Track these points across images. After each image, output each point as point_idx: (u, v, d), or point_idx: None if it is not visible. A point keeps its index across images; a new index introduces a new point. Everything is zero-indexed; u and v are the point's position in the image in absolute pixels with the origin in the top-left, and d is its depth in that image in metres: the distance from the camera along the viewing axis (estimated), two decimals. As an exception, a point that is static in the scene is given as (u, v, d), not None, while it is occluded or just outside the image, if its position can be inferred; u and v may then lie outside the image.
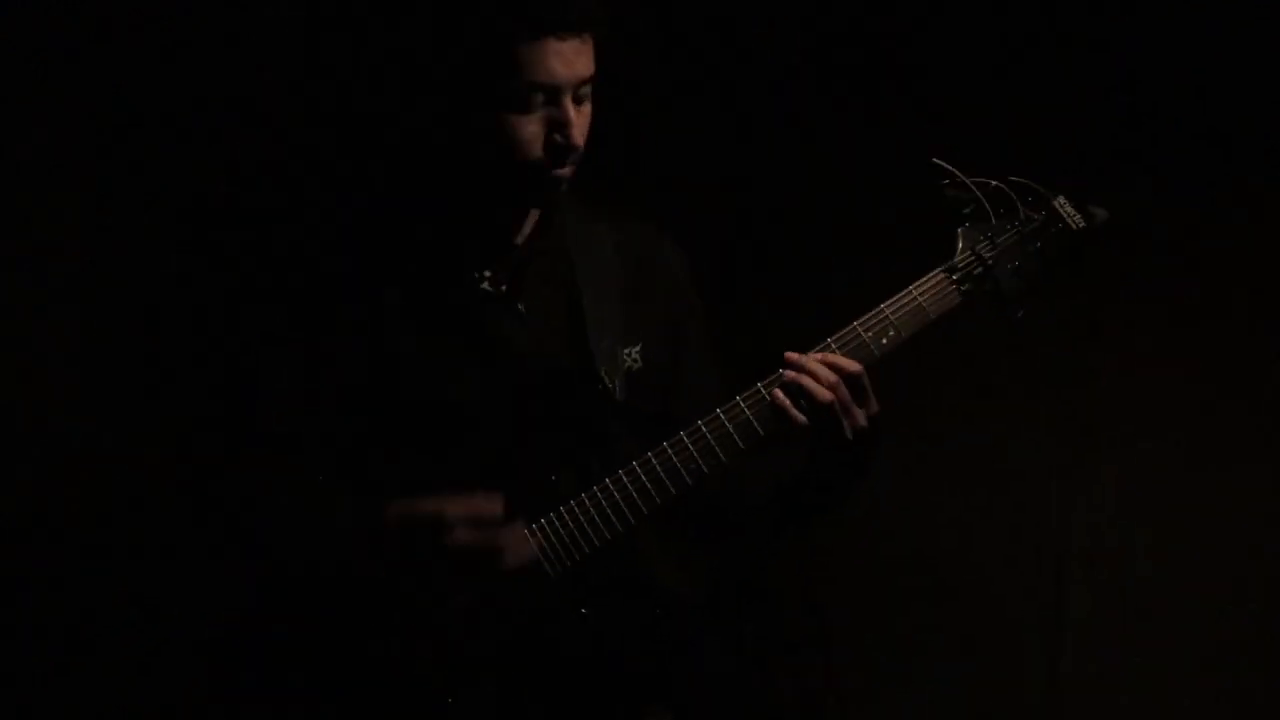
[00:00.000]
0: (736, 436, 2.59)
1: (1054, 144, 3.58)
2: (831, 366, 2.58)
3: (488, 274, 2.66)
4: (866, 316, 2.62)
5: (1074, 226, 2.65)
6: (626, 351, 2.70)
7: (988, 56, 3.63)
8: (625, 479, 2.59)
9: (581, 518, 2.59)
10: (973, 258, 2.64)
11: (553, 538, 2.59)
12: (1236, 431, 3.69)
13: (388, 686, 2.55)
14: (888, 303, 2.62)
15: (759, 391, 2.60)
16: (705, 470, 2.59)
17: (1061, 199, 2.66)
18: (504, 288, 2.67)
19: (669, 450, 2.59)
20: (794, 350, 2.59)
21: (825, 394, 2.56)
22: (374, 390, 2.62)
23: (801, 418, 2.57)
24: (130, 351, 3.34)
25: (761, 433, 2.59)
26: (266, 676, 2.58)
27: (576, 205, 2.72)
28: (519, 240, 2.69)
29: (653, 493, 2.59)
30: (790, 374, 2.58)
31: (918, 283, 2.63)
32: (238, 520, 2.62)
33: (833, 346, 2.60)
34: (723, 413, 2.59)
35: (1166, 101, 3.62)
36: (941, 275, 2.64)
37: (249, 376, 2.67)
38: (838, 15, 3.64)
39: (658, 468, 2.59)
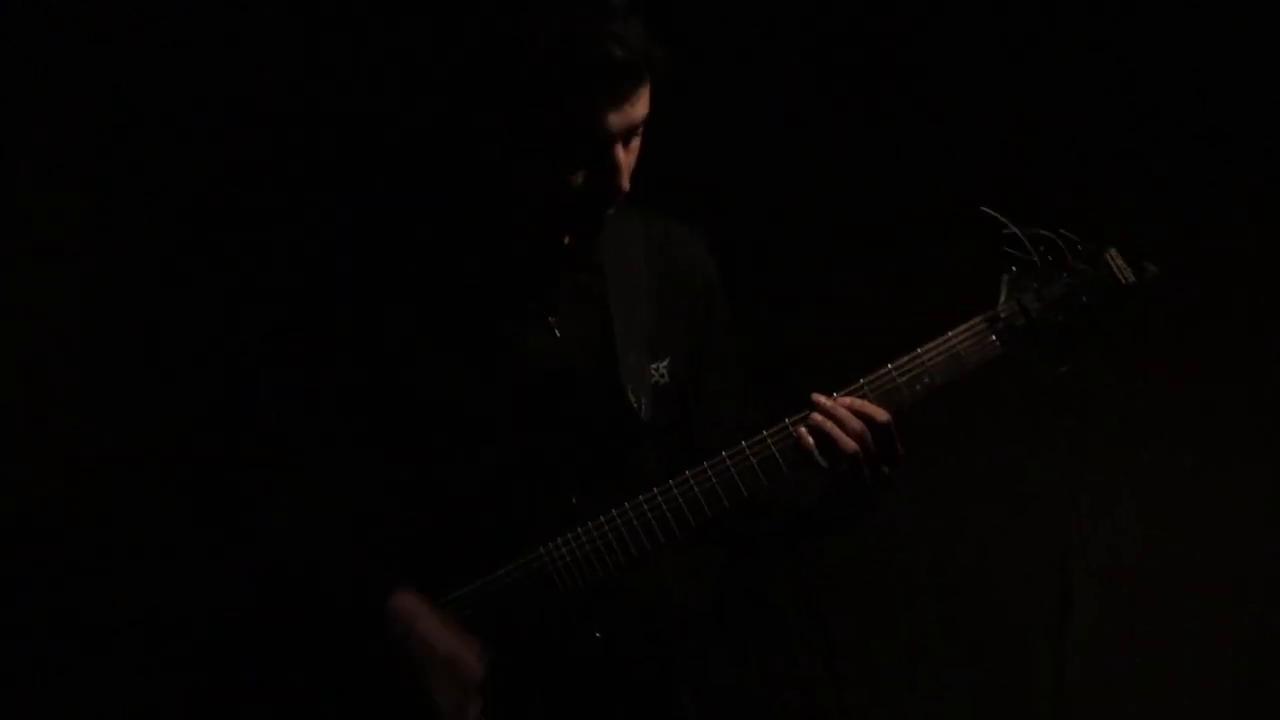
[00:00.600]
0: (760, 471, 2.55)
1: (1054, 144, 3.58)
2: (860, 414, 2.54)
3: (522, 289, 2.63)
4: (902, 360, 2.57)
5: (1124, 281, 2.58)
6: (654, 366, 2.67)
7: (988, 56, 3.62)
8: (645, 507, 2.56)
9: (599, 541, 2.56)
10: (1017, 308, 2.59)
11: (568, 559, 2.56)
12: (1244, 441, 3.68)
13: (388, 693, 2.54)
14: (924, 348, 2.57)
15: (786, 429, 2.55)
16: (726, 504, 2.56)
17: (1113, 251, 2.59)
18: (538, 303, 2.63)
19: (691, 481, 2.56)
20: (826, 386, 2.55)
21: (850, 444, 2.52)
22: (398, 401, 2.59)
23: (824, 463, 2.54)
24: (130, 352, 3.34)
25: (785, 470, 2.55)
26: (265, 677, 2.58)
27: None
28: (554, 254, 2.64)
29: (671, 522, 2.56)
30: (817, 418, 2.54)
31: (956, 330, 2.58)
32: (238, 521, 2.62)
33: (865, 389, 2.56)
34: (748, 446, 2.55)
35: (1167, 102, 3.62)
36: (983, 324, 2.58)
37: (245, 377, 2.66)
38: (837, 15, 3.64)
39: (679, 498, 2.56)
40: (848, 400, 2.54)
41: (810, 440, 2.53)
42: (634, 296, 2.67)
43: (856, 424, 2.53)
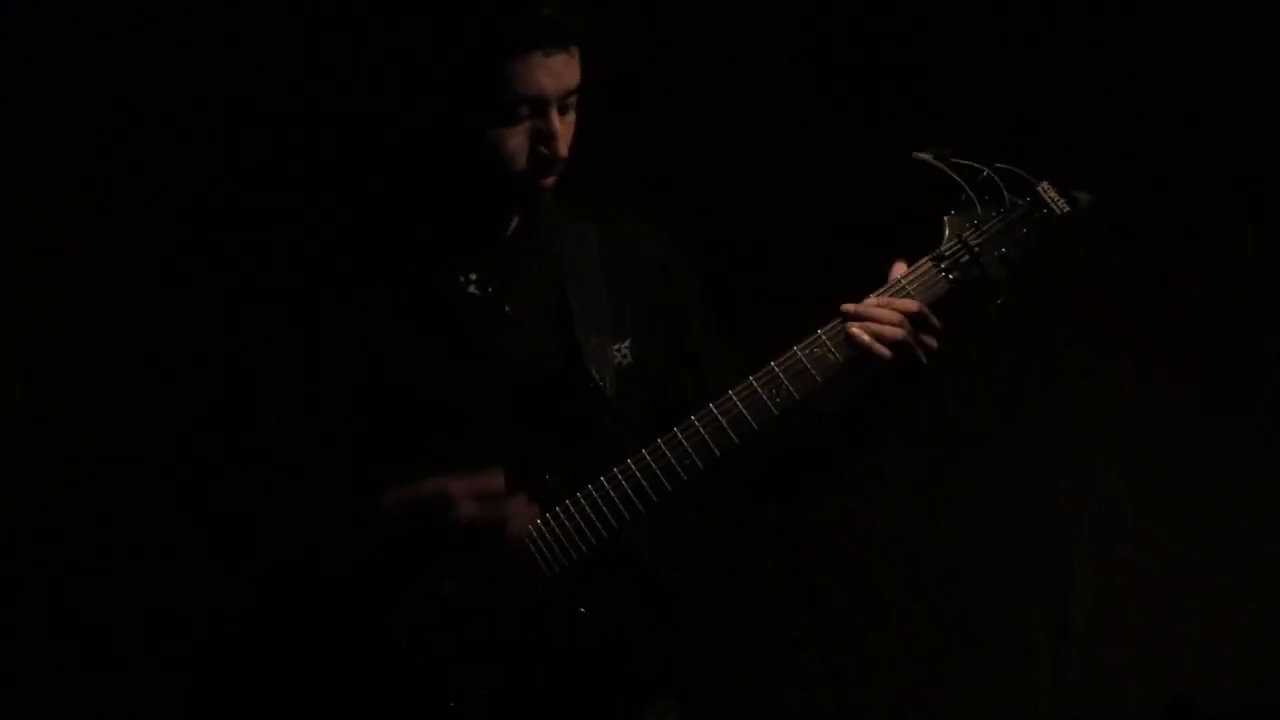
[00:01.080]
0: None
1: (1054, 144, 3.57)
2: (890, 308, 2.61)
3: (474, 276, 2.67)
4: (856, 308, 2.63)
5: (1058, 211, 2.67)
6: (616, 347, 2.71)
7: (987, 56, 3.63)
8: (620, 476, 2.59)
9: (577, 517, 2.59)
10: (959, 245, 2.66)
11: (549, 537, 2.59)
12: (1244, 441, 3.68)
13: (386, 687, 2.55)
14: (876, 293, 2.64)
15: (820, 338, 2.61)
16: (700, 465, 2.59)
17: (1045, 184, 2.68)
18: (490, 290, 2.67)
19: (662, 447, 2.59)
20: (785, 339, 2.61)
21: (896, 331, 2.60)
22: (366, 392, 2.62)
23: (884, 350, 2.60)
24: (130, 352, 3.34)
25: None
26: (265, 676, 2.58)
27: (560, 204, 2.72)
28: (504, 241, 2.69)
29: (647, 489, 2.59)
30: (856, 317, 2.61)
31: (905, 273, 2.65)
32: (235, 519, 2.63)
33: (823, 338, 2.62)
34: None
35: (1167, 102, 3.62)
36: (929, 264, 2.65)
37: (244, 376, 2.67)
38: (837, 15, 3.64)
39: (651, 464, 2.59)
40: (872, 299, 2.62)
41: (861, 334, 2.60)
42: (590, 281, 2.72)
43: (893, 314, 2.61)
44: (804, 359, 2.61)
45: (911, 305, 2.61)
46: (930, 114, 3.60)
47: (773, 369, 2.61)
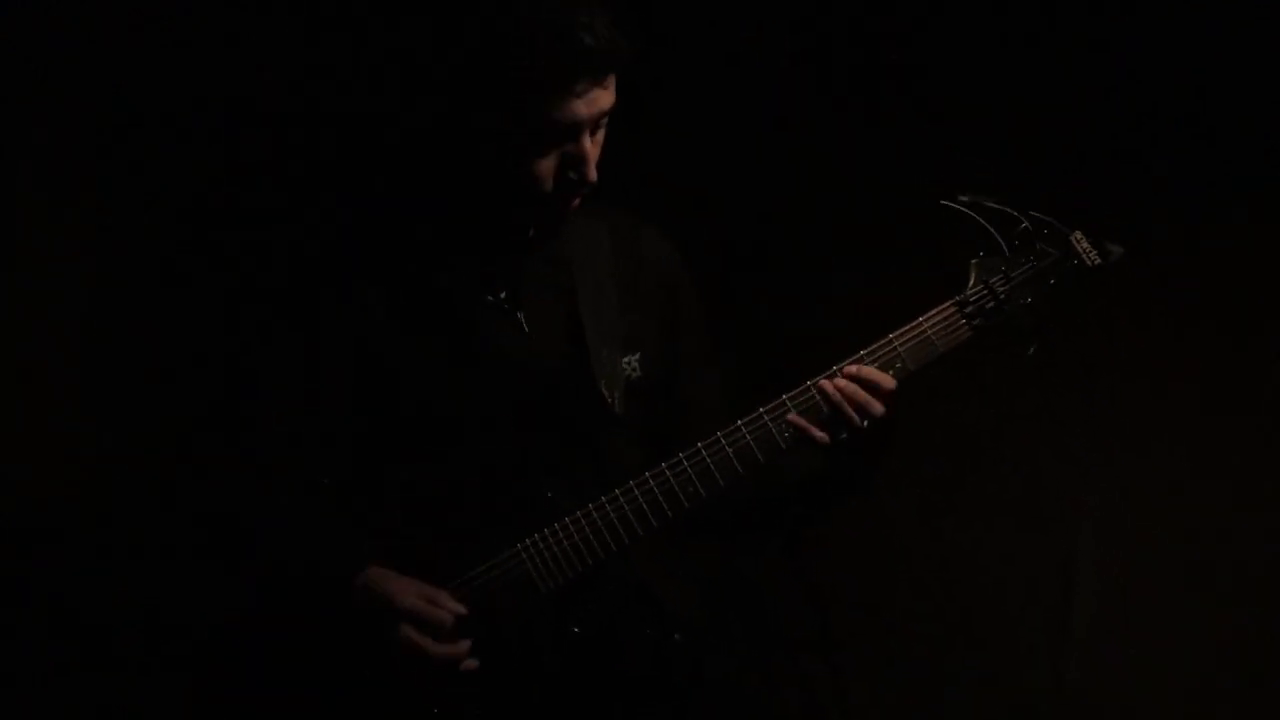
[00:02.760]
0: (756, 449, 2.58)
1: (1053, 145, 3.58)
2: (862, 381, 2.57)
3: (487, 282, 2.65)
4: (874, 346, 2.60)
5: (1089, 264, 2.61)
6: (626, 360, 2.69)
7: (987, 56, 3.62)
8: (622, 499, 2.57)
9: (576, 535, 2.57)
10: (985, 291, 2.61)
11: (545, 553, 2.57)
12: (1244, 441, 3.68)
13: (375, 696, 2.54)
14: (896, 333, 2.60)
15: (784, 404, 2.58)
16: (703, 494, 2.58)
17: (1078, 234, 2.62)
18: (504, 295, 2.66)
19: (667, 473, 2.57)
20: (803, 372, 2.58)
21: (851, 415, 2.56)
22: (372, 398, 2.61)
23: (821, 435, 2.57)
24: (130, 352, 3.34)
25: (762, 460, 2.58)
26: (255, 679, 2.58)
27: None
28: (517, 246, 2.67)
29: (648, 514, 2.57)
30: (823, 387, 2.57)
31: (927, 314, 2.61)
32: (231, 520, 2.62)
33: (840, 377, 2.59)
34: (744, 424, 2.58)
35: (1167, 102, 3.62)
36: (952, 308, 2.61)
37: (244, 378, 2.67)
38: (837, 15, 3.64)
39: (655, 490, 2.57)
40: (852, 370, 2.58)
41: (802, 420, 2.57)
42: (602, 291, 2.70)
43: (858, 394, 2.57)
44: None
45: (888, 383, 2.57)
46: (930, 114, 3.60)
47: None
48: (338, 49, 3.40)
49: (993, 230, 2.62)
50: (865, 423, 2.57)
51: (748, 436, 2.57)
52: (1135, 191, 3.57)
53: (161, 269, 3.35)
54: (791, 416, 2.58)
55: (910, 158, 3.60)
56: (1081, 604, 3.73)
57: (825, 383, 2.58)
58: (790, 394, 2.59)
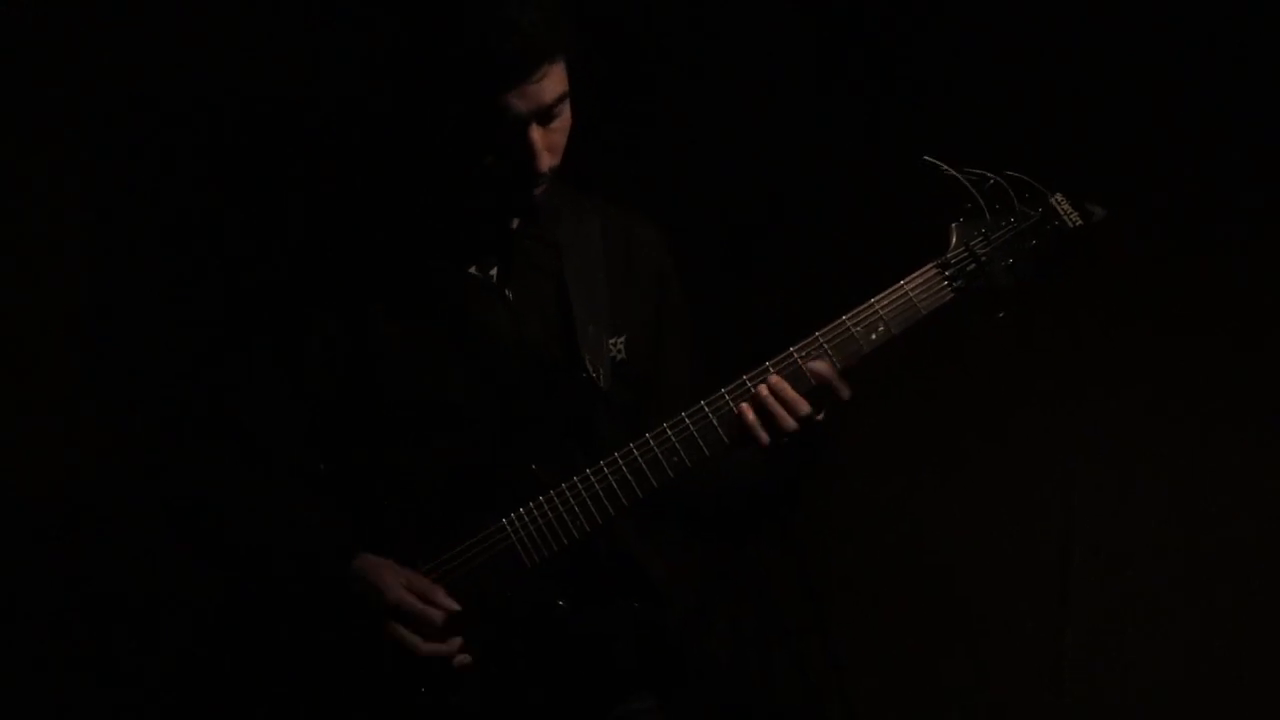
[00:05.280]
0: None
1: (1053, 144, 3.58)
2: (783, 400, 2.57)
3: (476, 260, 2.67)
4: (856, 310, 2.60)
5: (1070, 224, 2.63)
6: (612, 341, 2.71)
7: (988, 56, 3.63)
8: (606, 470, 2.59)
9: (561, 508, 2.59)
10: (966, 253, 2.63)
11: (530, 527, 2.59)
12: (1244, 440, 3.68)
13: (360, 677, 2.55)
14: (878, 297, 2.61)
15: (723, 398, 2.59)
16: (688, 463, 2.59)
17: (1059, 196, 2.64)
18: (492, 274, 2.68)
19: (650, 442, 2.59)
20: (786, 340, 2.59)
21: (786, 420, 2.56)
22: (359, 374, 2.62)
23: (763, 436, 2.56)
24: (129, 352, 3.34)
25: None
26: (244, 672, 2.60)
27: (565, 192, 2.71)
28: (508, 228, 2.69)
29: (633, 484, 2.59)
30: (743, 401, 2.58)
31: (909, 277, 2.62)
32: (220, 511, 2.63)
33: (821, 341, 2.59)
34: (688, 416, 2.59)
35: (1166, 101, 3.62)
36: (934, 270, 2.62)
37: (233, 366, 2.67)
38: (837, 15, 3.64)
39: (639, 459, 2.59)
40: (775, 381, 2.57)
41: (750, 414, 2.57)
42: (592, 274, 2.72)
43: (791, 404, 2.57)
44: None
45: (803, 408, 2.56)
46: (930, 114, 3.60)
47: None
48: (318, 38, 3.40)
49: (974, 192, 2.63)
50: (797, 423, 2.57)
51: (712, 417, 2.59)
52: (1135, 191, 3.57)
53: (161, 269, 3.35)
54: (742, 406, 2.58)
55: (908, 157, 3.59)
56: (1080, 602, 3.73)
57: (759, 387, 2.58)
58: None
